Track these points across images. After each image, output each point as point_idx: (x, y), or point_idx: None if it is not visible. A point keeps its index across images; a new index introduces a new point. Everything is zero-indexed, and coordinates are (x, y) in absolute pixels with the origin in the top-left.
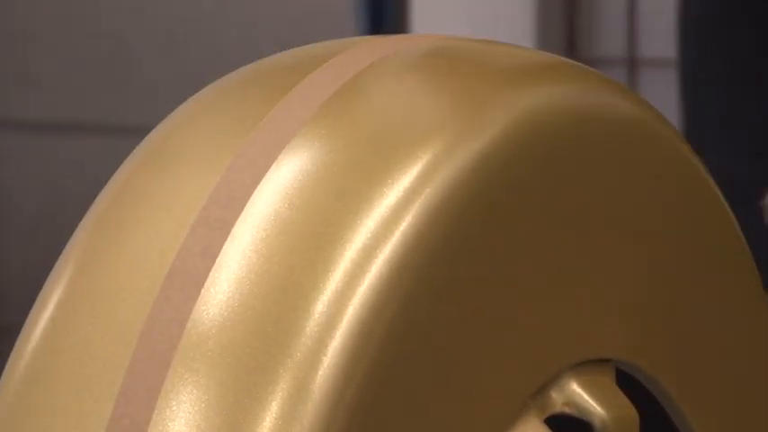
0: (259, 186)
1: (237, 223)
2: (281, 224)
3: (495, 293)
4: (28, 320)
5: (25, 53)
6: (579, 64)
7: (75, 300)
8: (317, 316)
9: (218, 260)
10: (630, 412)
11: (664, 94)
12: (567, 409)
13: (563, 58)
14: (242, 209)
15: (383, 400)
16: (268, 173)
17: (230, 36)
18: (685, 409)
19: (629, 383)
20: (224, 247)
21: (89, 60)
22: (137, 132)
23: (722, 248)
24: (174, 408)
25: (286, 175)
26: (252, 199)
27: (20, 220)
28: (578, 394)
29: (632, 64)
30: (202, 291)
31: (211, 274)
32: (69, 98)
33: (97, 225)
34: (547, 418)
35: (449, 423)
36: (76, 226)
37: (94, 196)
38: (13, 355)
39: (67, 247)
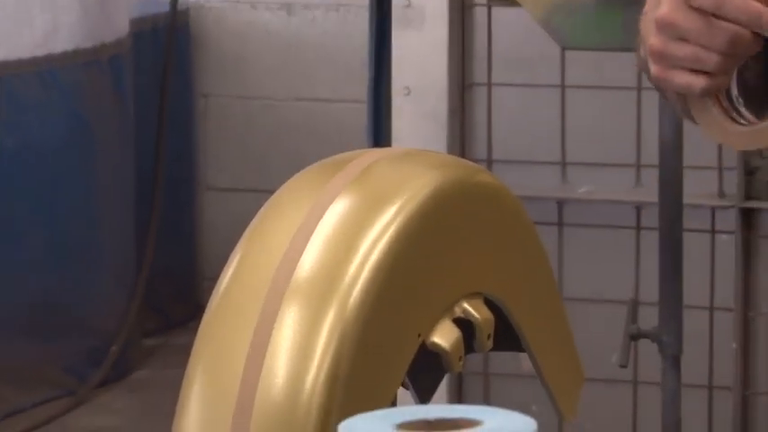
0: (324, 215)
1: (315, 231)
2: (334, 232)
3: (430, 264)
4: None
5: (215, 149)
6: (468, 161)
7: (240, 264)
8: (350, 273)
9: (306, 247)
10: (491, 316)
11: (512, 183)
12: (462, 315)
13: (461, 158)
14: (317, 224)
15: (378, 316)
16: (328, 209)
17: (322, 135)
18: (517, 317)
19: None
20: (309, 241)
21: (250, 150)
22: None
23: (530, 243)
24: (287, 316)
25: (337, 211)
26: (321, 221)
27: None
28: (467, 308)
29: (490, 162)
30: (299, 261)
31: (303, 254)
32: (237, 169)
33: (251, 231)
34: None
35: (412, 321)
36: None
37: None
38: (214, 292)
39: (239, 242)
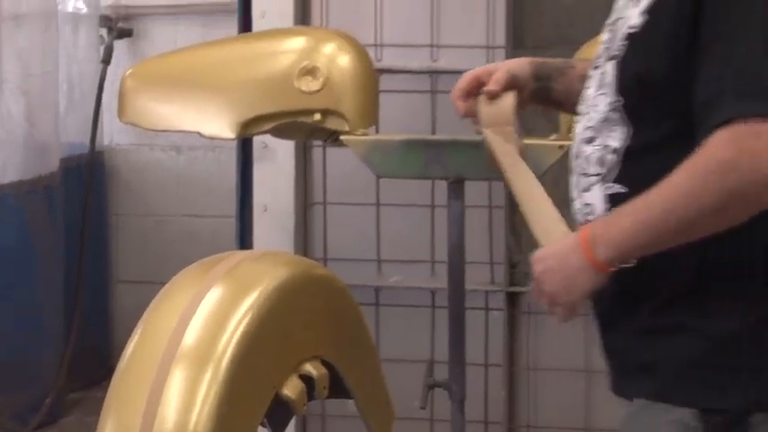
0: (203, 300)
1: (197, 312)
2: (211, 313)
3: (281, 336)
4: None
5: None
6: (309, 259)
7: (141, 337)
8: (222, 344)
9: (190, 324)
10: (326, 373)
11: (342, 275)
12: (305, 372)
13: (303, 257)
14: (198, 306)
15: (243, 375)
16: (206, 296)
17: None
18: (345, 373)
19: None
20: (192, 319)
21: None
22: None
23: (355, 319)
24: (175, 376)
25: (213, 297)
26: (201, 304)
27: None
28: (308, 368)
29: (326, 259)
30: (185, 335)
31: (188, 330)
32: (141, 267)
33: (149, 312)
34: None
35: (268, 378)
36: None
37: None
38: (120, 359)
39: (140, 320)
